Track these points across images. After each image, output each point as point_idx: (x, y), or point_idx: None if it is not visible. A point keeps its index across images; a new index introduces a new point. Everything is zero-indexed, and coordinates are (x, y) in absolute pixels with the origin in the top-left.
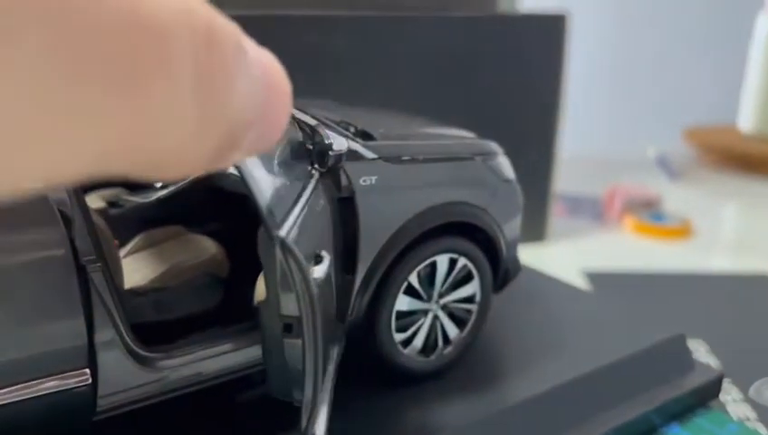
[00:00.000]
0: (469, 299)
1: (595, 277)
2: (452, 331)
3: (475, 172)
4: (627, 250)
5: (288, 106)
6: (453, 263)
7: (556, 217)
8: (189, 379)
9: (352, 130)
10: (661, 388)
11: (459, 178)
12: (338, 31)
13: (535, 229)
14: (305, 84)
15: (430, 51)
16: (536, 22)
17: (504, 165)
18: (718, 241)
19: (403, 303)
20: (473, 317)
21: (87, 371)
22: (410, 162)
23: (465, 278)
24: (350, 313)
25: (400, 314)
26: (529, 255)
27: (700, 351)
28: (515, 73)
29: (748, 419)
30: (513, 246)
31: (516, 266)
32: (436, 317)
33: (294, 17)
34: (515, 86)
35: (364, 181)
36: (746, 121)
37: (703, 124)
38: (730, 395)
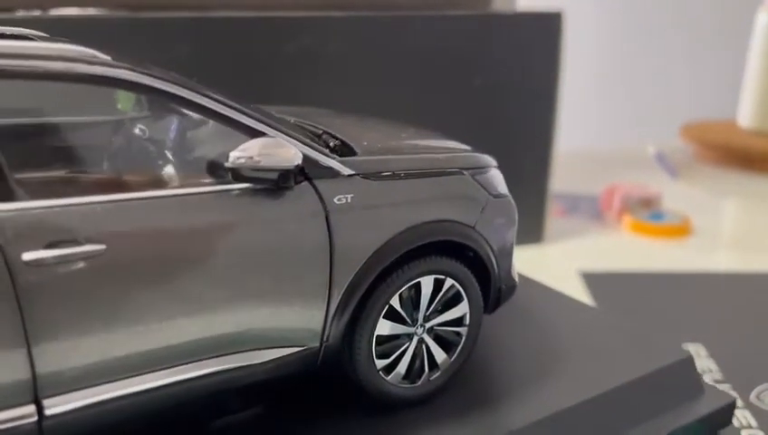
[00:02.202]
0: (458, 322)
1: (593, 278)
2: (440, 356)
3: (462, 188)
4: (625, 250)
5: None
6: (439, 284)
7: (553, 217)
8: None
9: (332, 143)
10: (668, 415)
11: (444, 195)
12: (333, 32)
13: (532, 230)
14: (302, 87)
15: (426, 50)
16: (532, 20)
17: (496, 179)
18: (719, 239)
19: (384, 327)
20: (462, 341)
21: (33, 407)
22: (391, 178)
23: (453, 300)
24: (325, 338)
25: (382, 339)
26: (526, 256)
27: (700, 355)
28: (511, 72)
29: (749, 425)
30: (506, 265)
31: (511, 285)
32: (421, 342)
33: (289, 19)
34: (511, 84)
35: (339, 200)
36: (746, 117)
37: (702, 120)
38: None
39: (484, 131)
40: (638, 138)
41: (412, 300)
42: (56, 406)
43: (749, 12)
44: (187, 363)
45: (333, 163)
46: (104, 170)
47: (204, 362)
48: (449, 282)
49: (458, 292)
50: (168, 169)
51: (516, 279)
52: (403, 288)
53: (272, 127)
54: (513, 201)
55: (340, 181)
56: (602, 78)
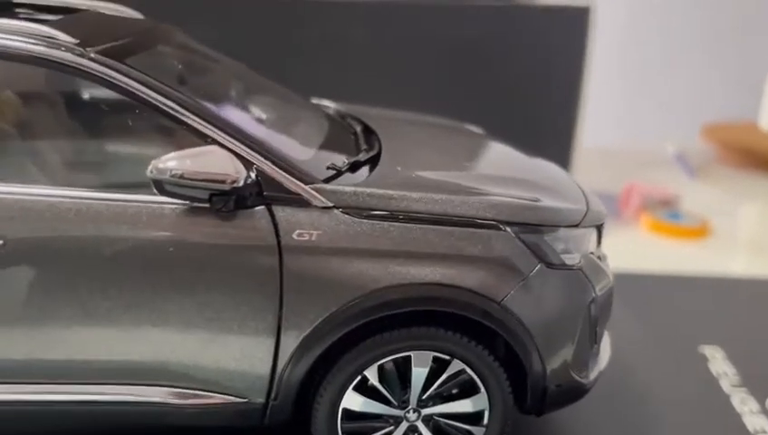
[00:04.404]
0: (471, 418)
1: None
2: None
3: (491, 246)
4: (643, 249)
5: None
6: (443, 365)
7: None
8: None
9: (347, 160)
10: None
11: (457, 251)
12: (356, 19)
13: None
14: (322, 74)
15: (449, 40)
16: (559, 13)
17: (566, 242)
18: (737, 242)
19: (354, 402)
20: None
21: None
22: (383, 219)
23: (466, 389)
24: (273, 396)
25: (352, 415)
26: None
27: (716, 358)
28: (535, 65)
29: (764, 431)
30: (558, 357)
31: (571, 386)
32: (413, 430)
33: (311, 3)
34: (535, 79)
35: (299, 235)
36: (767, 120)
37: (723, 121)
38: (747, 406)
39: (506, 126)
40: (659, 138)
41: (401, 376)
42: None
43: None
44: (88, 384)
45: (303, 189)
46: (30, 159)
47: (109, 386)
48: (457, 365)
49: (473, 380)
50: (109, 170)
51: (586, 380)
52: (384, 359)
53: (227, 133)
54: (587, 277)
55: (309, 212)
56: (623, 76)
